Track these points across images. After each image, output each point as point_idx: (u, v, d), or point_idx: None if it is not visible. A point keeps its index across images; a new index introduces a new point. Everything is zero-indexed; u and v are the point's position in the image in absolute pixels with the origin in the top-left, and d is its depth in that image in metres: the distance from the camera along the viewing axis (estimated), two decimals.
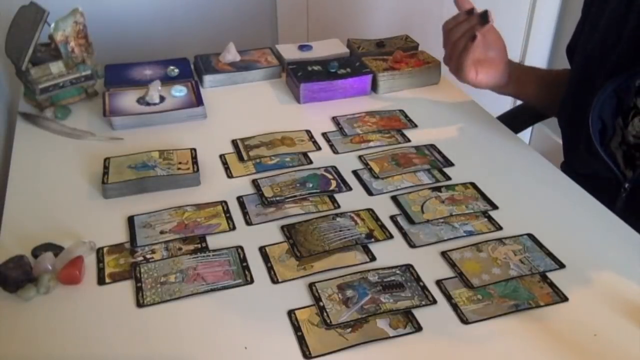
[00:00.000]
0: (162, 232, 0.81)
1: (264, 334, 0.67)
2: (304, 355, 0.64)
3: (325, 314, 0.69)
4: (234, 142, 1.03)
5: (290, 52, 1.30)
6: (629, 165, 0.92)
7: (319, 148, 1.02)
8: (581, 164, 1.00)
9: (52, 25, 1.07)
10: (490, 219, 0.85)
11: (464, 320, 0.68)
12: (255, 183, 0.92)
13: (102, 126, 1.07)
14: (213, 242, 0.80)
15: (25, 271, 0.72)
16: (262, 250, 0.79)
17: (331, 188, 0.91)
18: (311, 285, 0.73)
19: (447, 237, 0.81)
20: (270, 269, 0.75)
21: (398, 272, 0.75)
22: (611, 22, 0.94)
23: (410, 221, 0.84)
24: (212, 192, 0.90)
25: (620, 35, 0.91)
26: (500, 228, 0.83)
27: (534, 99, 1.16)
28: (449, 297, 0.71)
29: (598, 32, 0.96)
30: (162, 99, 1.11)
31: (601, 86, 0.90)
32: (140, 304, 0.70)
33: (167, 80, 1.17)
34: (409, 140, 1.04)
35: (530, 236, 0.81)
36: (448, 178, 0.94)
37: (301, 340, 0.66)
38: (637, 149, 0.90)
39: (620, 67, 0.89)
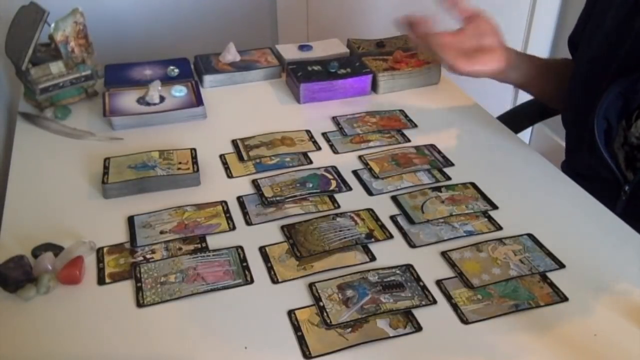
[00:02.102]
0: (162, 232, 0.81)
1: (264, 334, 0.67)
2: (304, 355, 0.64)
3: (325, 314, 0.69)
4: (234, 142, 1.03)
5: (290, 52, 1.30)
6: (630, 167, 0.92)
7: (319, 148, 1.02)
8: (583, 165, 1.00)
9: (52, 25, 1.07)
10: (490, 219, 0.85)
11: (464, 320, 0.68)
12: (255, 183, 0.92)
13: (102, 126, 1.07)
14: (213, 242, 0.80)
15: (25, 271, 0.72)
16: (262, 250, 0.79)
17: (331, 188, 0.91)
18: (311, 285, 0.73)
19: (447, 237, 0.81)
20: (270, 269, 0.75)
21: (398, 272, 0.75)
22: (617, 21, 0.93)
23: (410, 221, 0.84)
24: (212, 192, 0.90)
25: (626, 36, 0.90)
26: (500, 228, 0.83)
27: (536, 89, 1.14)
28: (449, 297, 0.71)
29: (603, 32, 0.96)
30: (162, 99, 1.11)
31: (607, 87, 0.89)
32: (140, 304, 0.70)
33: (167, 80, 1.17)
34: (409, 140, 1.04)
35: (530, 236, 0.81)
36: (448, 178, 0.94)
37: (301, 340, 0.66)
38: (639, 150, 0.90)
39: (626, 68, 0.89)
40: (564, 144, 1.09)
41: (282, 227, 0.83)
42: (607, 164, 0.92)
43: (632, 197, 0.91)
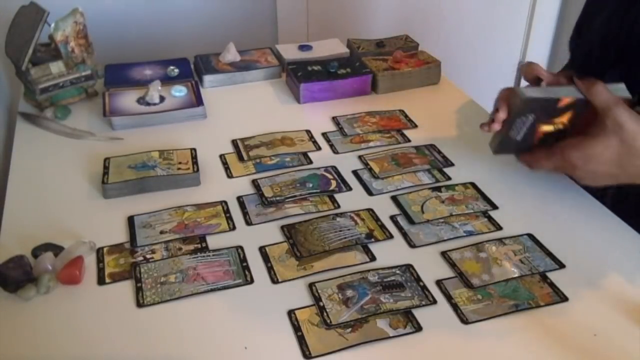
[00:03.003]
0: (162, 232, 0.81)
1: (264, 334, 0.67)
2: (304, 355, 0.64)
3: (325, 314, 0.69)
4: (234, 142, 1.03)
5: (290, 52, 1.30)
6: None
7: (319, 148, 1.02)
8: None
9: (52, 25, 1.07)
10: (490, 219, 0.85)
11: (464, 320, 0.68)
12: (255, 183, 0.92)
13: (102, 126, 1.07)
14: (213, 242, 0.80)
15: (25, 271, 0.72)
16: (262, 250, 0.79)
17: (331, 188, 0.91)
18: (311, 285, 0.73)
19: (447, 237, 0.81)
20: (270, 269, 0.75)
21: (398, 272, 0.75)
22: (611, 13, 0.93)
23: (410, 221, 0.84)
24: (212, 192, 0.90)
25: (621, 28, 0.90)
26: (500, 228, 0.83)
27: None
28: (449, 297, 0.71)
29: (599, 23, 0.96)
30: (162, 99, 1.11)
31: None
32: (140, 304, 0.70)
33: (167, 80, 1.17)
34: (409, 140, 1.04)
35: (530, 236, 0.81)
36: (448, 178, 0.94)
37: (301, 340, 0.66)
38: None
39: (620, 59, 0.89)
40: None
41: (282, 227, 0.82)
42: None
43: (616, 197, 0.91)
